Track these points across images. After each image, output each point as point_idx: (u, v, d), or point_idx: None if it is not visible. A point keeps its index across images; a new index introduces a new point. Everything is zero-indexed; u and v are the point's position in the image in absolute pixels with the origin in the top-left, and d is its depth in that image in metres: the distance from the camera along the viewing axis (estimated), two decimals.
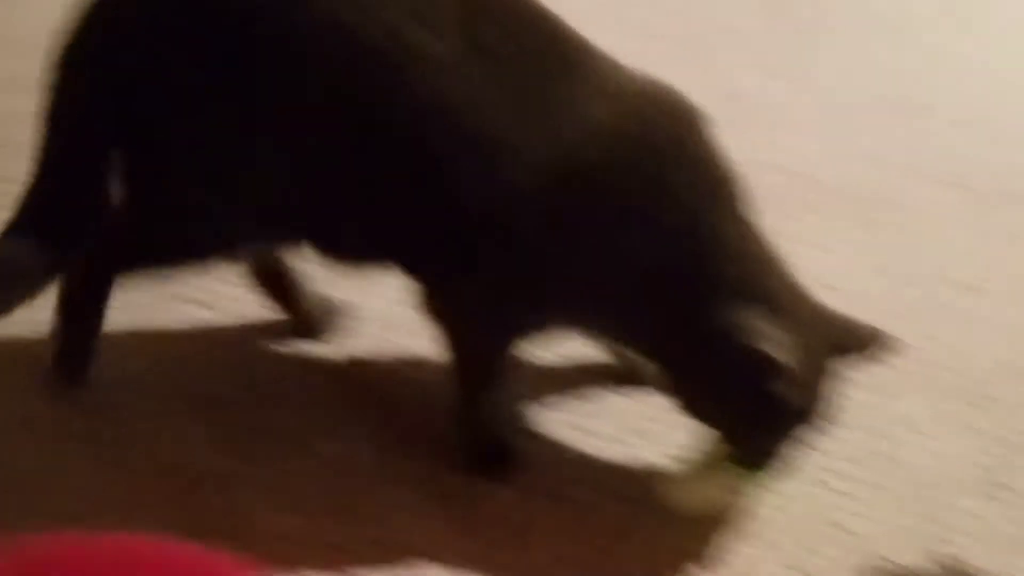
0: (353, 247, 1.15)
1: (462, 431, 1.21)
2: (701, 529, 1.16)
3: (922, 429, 1.30)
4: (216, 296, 1.33)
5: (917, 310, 1.44)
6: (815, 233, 1.54)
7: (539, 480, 1.20)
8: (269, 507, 1.13)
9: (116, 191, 1.10)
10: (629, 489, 1.19)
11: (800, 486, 1.22)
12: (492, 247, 1.10)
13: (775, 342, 1.07)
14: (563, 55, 1.10)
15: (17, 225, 1.09)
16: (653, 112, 1.11)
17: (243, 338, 1.31)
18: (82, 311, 1.19)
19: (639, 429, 1.26)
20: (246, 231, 1.14)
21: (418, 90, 1.05)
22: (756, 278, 1.11)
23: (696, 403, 1.14)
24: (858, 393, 1.32)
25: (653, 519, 1.17)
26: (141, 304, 1.27)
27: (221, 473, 1.16)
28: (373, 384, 1.28)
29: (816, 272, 1.45)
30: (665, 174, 1.10)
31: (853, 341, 1.14)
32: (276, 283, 1.28)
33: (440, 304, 1.15)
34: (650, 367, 1.19)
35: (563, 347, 1.29)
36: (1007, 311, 1.45)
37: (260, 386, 1.26)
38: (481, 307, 1.15)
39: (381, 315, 1.33)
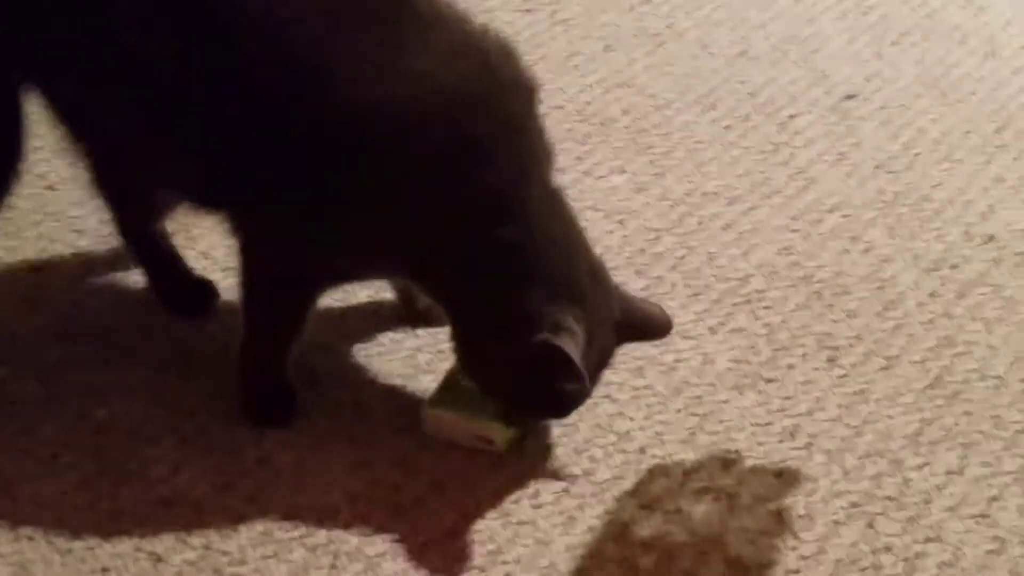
0: (190, 185, 1.20)
1: (243, 377, 1.23)
2: (481, 453, 1.21)
3: (691, 334, 1.37)
4: None
5: (679, 225, 1.52)
6: (587, 163, 1.60)
7: (328, 421, 1.23)
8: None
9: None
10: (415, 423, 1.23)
11: None
12: (309, 176, 1.11)
13: (574, 343, 1.10)
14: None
15: None
16: (488, 77, 1.13)
17: None
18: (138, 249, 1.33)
19: (428, 367, 1.31)
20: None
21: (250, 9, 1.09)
22: (561, 262, 1.14)
23: (478, 367, 1.17)
24: None
25: (438, 452, 1.21)
26: None
27: None
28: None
29: (590, 198, 1.54)
30: (486, 137, 1.12)
31: (645, 328, 1.20)
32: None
33: (252, 247, 1.17)
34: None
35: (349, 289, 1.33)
36: (759, 216, 1.53)
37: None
38: (293, 247, 1.16)
39: None
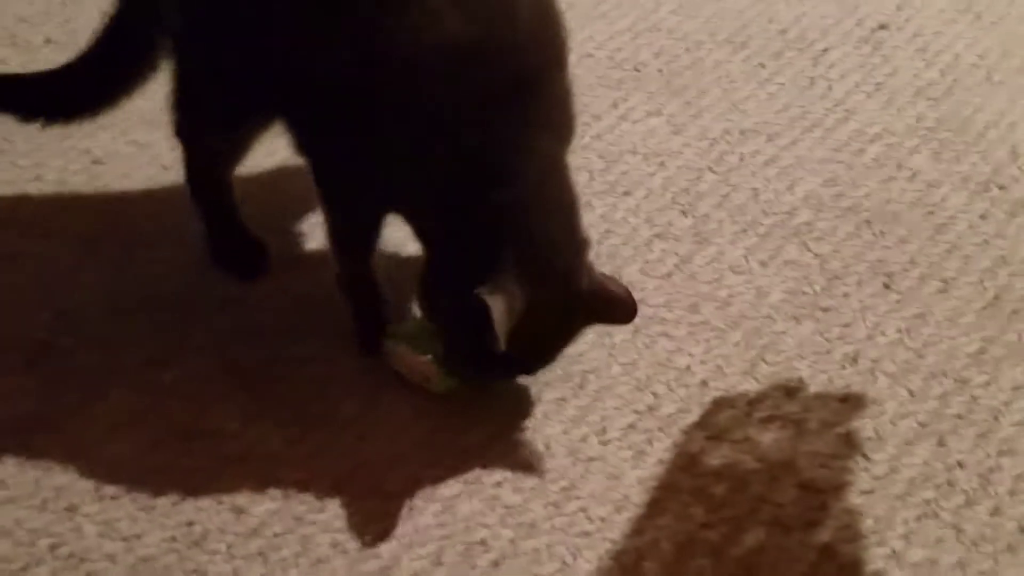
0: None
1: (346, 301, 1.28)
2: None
3: (742, 269, 1.37)
4: None
5: (720, 163, 1.52)
6: (622, 108, 1.60)
7: (387, 373, 1.24)
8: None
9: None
10: None
11: (636, 337, 1.28)
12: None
13: (506, 307, 1.08)
14: None
15: None
16: (509, 31, 1.13)
17: None
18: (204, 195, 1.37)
19: None
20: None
21: None
22: (539, 235, 1.13)
23: (430, 306, 1.18)
24: (679, 245, 1.40)
25: (498, 398, 1.22)
26: None
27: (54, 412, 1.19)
28: None
29: (628, 142, 1.54)
30: (488, 96, 1.12)
31: (611, 312, 1.19)
32: None
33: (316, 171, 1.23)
34: None
35: None
36: (800, 150, 1.53)
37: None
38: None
39: None
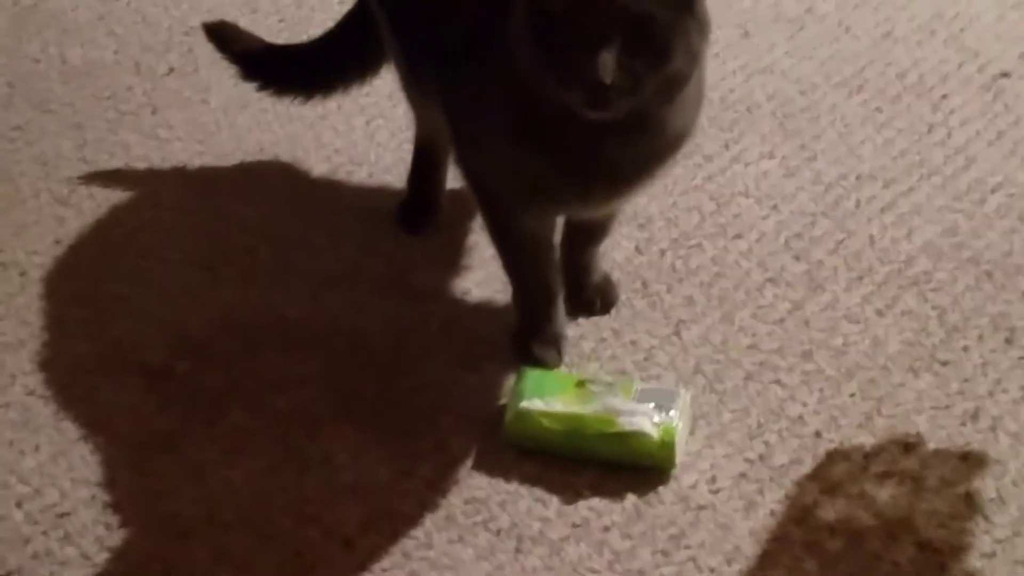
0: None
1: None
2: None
3: (858, 318, 1.35)
4: None
5: (835, 208, 1.50)
6: (734, 149, 1.59)
7: (497, 409, 1.24)
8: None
9: None
10: None
11: (748, 384, 1.27)
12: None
13: None
14: None
15: None
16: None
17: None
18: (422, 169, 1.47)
19: (592, 354, 1.31)
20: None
21: None
22: None
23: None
24: (792, 291, 1.39)
25: None
26: None
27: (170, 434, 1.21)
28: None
29: (741, 184, 1.53)
30: None
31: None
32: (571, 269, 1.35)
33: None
34: None
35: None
36: (918, 197, 1.50)
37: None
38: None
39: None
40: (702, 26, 1.09)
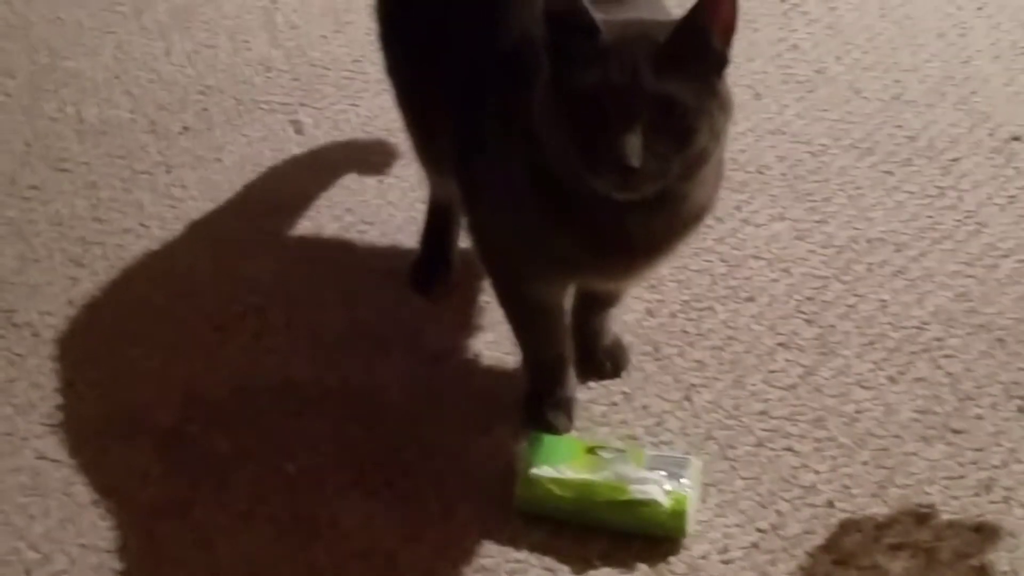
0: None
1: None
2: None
3: (870, 384, 1.34)
4: None
5: (846, 272, 1.50)
6: (745, 211, 1.59)
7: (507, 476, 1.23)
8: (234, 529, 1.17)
9: None
10: None
11: (760, 451, 1.26)
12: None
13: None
14: None
15: None
16: None
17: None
18: (435, 230, 1.47)
19: (603, 419, 1.31)
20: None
21: None
22: None
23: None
24: (804, 356, 1.38)
25: None
26: None
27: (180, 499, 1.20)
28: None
29: (751, 246, 1.53)
30: None
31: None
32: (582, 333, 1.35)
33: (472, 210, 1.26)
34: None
35: None
36: (929, 262, 1.50)
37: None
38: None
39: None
40: (725, 106, 1.10)
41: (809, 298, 1.46)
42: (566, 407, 1.29)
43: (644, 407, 1.32)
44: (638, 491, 1.17)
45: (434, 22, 1.28)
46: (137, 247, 1.54)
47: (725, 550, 1.17)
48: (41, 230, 1.56)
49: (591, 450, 1.22)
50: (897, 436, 1.28)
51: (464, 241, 1.41)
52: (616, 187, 1.07)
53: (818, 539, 1.17)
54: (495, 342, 1.39)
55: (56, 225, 1.57)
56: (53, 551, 1.17)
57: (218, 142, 1.71)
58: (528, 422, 1.28)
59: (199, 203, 1.61)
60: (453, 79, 1.25)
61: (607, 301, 1.35)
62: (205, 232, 1.57)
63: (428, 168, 1.40)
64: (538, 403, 1.29)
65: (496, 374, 1.36)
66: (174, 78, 1.84)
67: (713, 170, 1.17)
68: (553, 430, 1.26)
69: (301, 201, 1.61)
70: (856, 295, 1.46)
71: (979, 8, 1.95)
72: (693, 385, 1.34)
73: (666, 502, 1.16)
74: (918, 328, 1.41)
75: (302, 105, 1.76)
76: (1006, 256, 1.51)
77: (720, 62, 1.08)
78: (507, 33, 1.20)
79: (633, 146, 1.03)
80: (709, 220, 1.54)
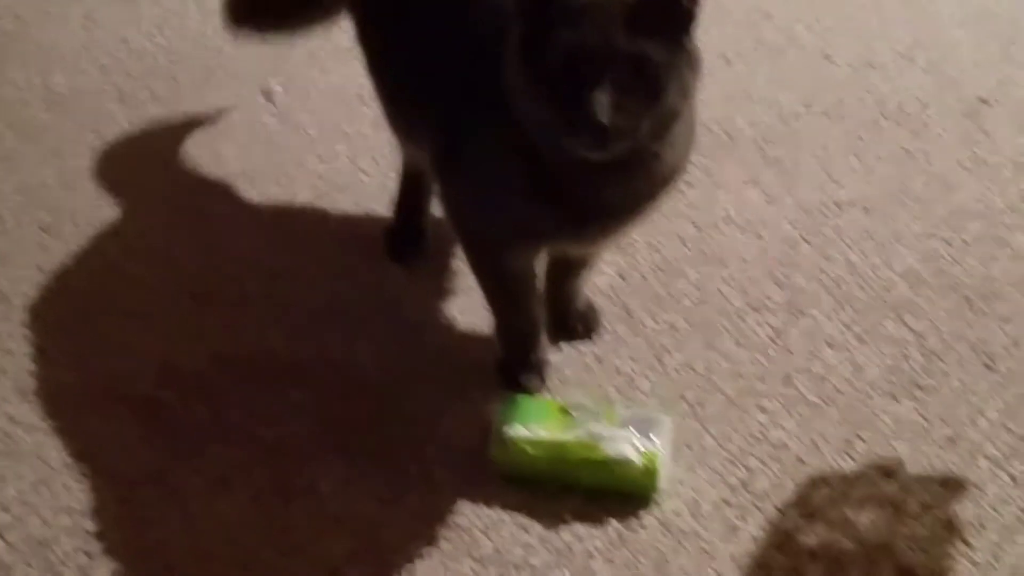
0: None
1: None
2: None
3: (839, 344, 1.36)
4: None
5: (816, 235, 1.51)
6: (716, 176, 1.60)
7: (482, 438, 1.24)
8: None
9: None
10: None
11: (730, 409, 1.28)
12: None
13: None
14: None
15: None
16: None
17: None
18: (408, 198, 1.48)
19: (575, 380, 1.32)
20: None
21: None
22: None
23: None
24: (773, 317, 1.40)
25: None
26: None
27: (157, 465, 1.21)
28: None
29: (722, 210, 1.54)
30: None
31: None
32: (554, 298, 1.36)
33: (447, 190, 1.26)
34: None
35: None
36: (898, 224, 1.52)
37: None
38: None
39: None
40: (694, 63, 1.10)
41: (779, 261, 1.47)
42: (539, 369, 1.30)
43: (616, 368, 1.33)
44: (610, 450, 1.18)
45: None
46: (108, 216, 1.54)
47: (696, 506, 1.18)
48: (8, 197, 1.55)
49: (564, 410, 1.23)
50: (865, 393, 1.30)
51: (437, 209, 1.41)
52: (587, 146, 1.07)
53: (787, 494, 1.19)
54: (470, 308, 1.39)
55: (24, 193, 1.56)
56: (26, 513, 1.17)
57: (187, 110, 1.70)
58: (502, 385, 1.28)
59: (170, 172, 1.60)
60: (425, 50, 1.25)
61: (579, 265, 1.36)
62: (177, 202, 1.56)
63: (399, 136, 1.40)
64: (511, 367, 1.29)
65: (471, 339, 1.37)
66: (142, 46, 1.83)
67: (684, 132, 1.18)
68: (526, 392, 1.27)
69: (273, 169, 1.61)
70: (825, 257, 1.48)
71: None
72: (664, 347, 1.35)
73: (638, 460, 1.17)
74: (886, 288, 1.43)
75: (272, 74, 1.76)
76: (973, 218, 1.53)
77: (688, 19, 1.09)
78: (478, 3, 1.20)
79: (602, 104, 1.04)
80: (680, 185, 1.57)
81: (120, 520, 1.17)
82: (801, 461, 1.23)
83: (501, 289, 1.29)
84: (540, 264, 1.32)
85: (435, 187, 1.33)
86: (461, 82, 1.20)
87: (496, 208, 1.20)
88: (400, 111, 1.35)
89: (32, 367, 1.32)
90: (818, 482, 1.20)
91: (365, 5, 1.36)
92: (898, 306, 1.40)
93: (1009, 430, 1.24)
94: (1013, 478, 1.19)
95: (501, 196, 1.18)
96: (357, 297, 1.42)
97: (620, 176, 1.13)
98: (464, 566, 1.13)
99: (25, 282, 1.43)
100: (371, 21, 1.35)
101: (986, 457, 1.22)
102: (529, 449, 1.19)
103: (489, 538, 1.15)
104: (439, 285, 1.43)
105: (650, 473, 1.18)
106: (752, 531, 1.16)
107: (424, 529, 1.16)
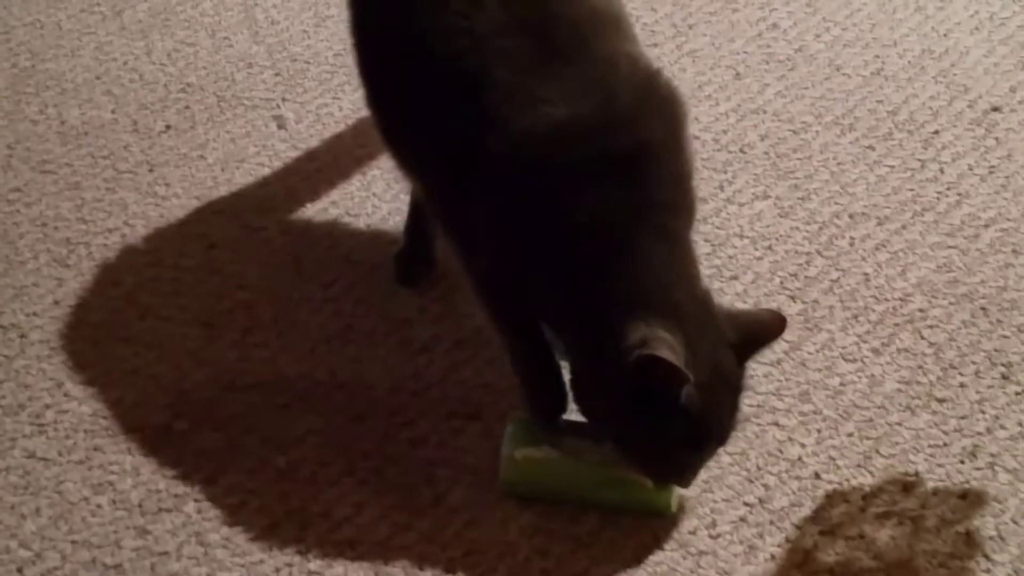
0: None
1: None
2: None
3: (854, 357, 1.35)
4: None
5: (829, 247, 1.50)
6: (728, 190, 1.60)
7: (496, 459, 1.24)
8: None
9: None
10: None
11: (746, 427, 1.26)
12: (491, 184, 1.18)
13: (670, 350, 1.07)
14: (583, 32, 1.21)
15: None
16: (651, 103, 1.18)
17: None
18: (417, 222, 1.48)
19: None
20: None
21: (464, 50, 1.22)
22: (660, 290, 1.14)
23: (587, 402, 1.17)
24: (788, 332, 1.37)
25: None
26: None
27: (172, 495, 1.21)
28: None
29: (735, 225, 1.54)
30: (634, 169, 1.15)
31: (760, 333, 1.17)
32: None
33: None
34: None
35: None
36: (912, 234, 1.51)
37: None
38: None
39: None
40: None
41: (793, 274, 1.47)
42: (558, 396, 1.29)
43: None
44: (624, 469, 1.17)
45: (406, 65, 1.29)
46: (122, 246, 1.55)
47: (713, 525, 1.18)
48: (25, 232, 1.57)
49: (577, 428, 1.22)
50: (881, 407, 1.29)
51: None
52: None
53: (805, 511, 1.18)
54: (481, 329, 1.39)
55: (40, 227, 1.58)
56: (45, 549, 1.17)
57: (201, 140, 1.71)
58: (524, 411, 1.27)
59: (183, 201, 1.61)
60: (422, 110, 1.27)
61: None
62: (190, 230, 1.57)
63: (402, 170, 1.41)
64: (531, 392, 1.27)
65: (482, 361, 1.36)
66: (155, 77, 1.84)
67: None
68: (548, 419, 1.26)
69: (285, 196, 1.62)
70: (839, 269, 1.47)
71: None
72: None
73: None
74: (901, 300, 1.42)
75: (284, 100, 1.77)
76: (987, 226, 1.52)
77: None
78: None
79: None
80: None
81: (139, 551, 1.17)
82: (819, 477, 1.22)
83: (513, 333, 1.27)
84: None
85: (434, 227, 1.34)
86: (452, 149, 1.21)
87: (514, 279, 1.21)
88: (398, 148, 1.36)
89: (49, 400, 1.33)
90: (836, 498, 1.19)
91: (368, 66, 1.37)
92: (914, 318, 1.39)
93: None
94: None
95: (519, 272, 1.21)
96: (367, 321, 1.42)
97: None
98: None
99: (41, 316, 1.44)
100: (374, 77, 1.37)
101: (1006, 469, 1.21)
102: (541, 470, 1.19)
103: (504, 563, 1.15)
104: (449, 307, 1.44)
105: (666, 492, 1.17)
106: (770, 550, 1.15)
107: (439, 553, 1.16)
